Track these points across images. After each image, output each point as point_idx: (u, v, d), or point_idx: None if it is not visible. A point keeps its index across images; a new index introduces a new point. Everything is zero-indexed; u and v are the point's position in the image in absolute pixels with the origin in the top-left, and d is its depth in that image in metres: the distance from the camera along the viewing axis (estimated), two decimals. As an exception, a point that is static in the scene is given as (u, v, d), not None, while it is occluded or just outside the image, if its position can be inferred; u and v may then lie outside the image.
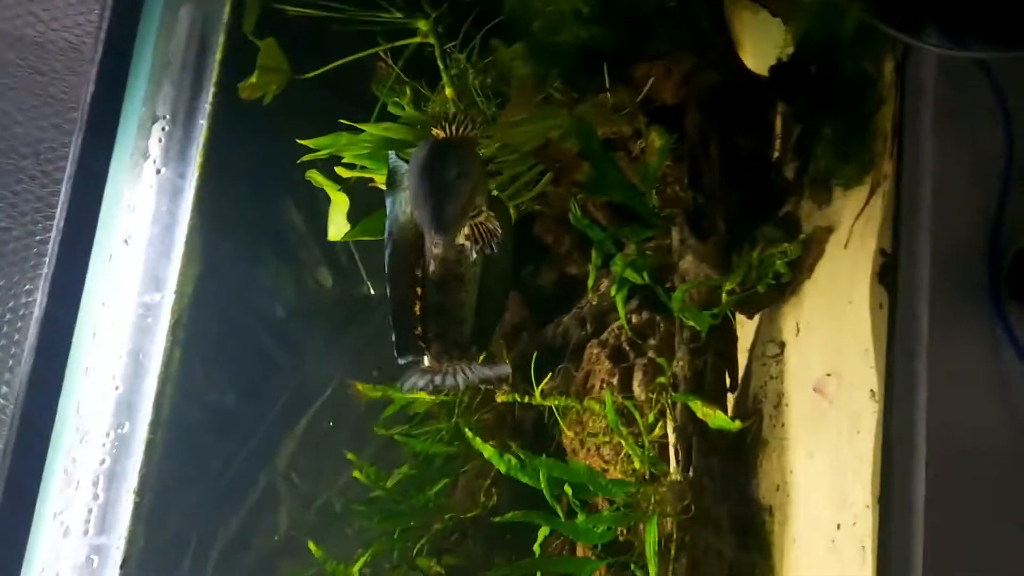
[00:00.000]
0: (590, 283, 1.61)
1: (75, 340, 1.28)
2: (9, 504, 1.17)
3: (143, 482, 1.22)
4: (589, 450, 1.74)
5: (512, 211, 1.77)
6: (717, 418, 1.48)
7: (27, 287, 1.84)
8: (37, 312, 1.29)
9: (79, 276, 1.30)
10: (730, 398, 1.67)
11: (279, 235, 1.94)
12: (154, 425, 1.28)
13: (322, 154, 1.59)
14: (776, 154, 1.67)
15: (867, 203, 1.45)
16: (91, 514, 1.22)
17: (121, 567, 1.18)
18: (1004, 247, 1.40)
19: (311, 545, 1.77)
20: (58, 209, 1.34)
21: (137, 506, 1.19)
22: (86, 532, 1.21)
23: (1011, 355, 1.38)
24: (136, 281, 1.30)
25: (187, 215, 1.33)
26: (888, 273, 1.40)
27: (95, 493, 1.21)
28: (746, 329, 1.71)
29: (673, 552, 1.51)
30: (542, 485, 1.52)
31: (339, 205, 1.57)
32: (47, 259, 1.30)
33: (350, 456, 1.82)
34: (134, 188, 1.36)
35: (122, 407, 1.27)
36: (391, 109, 1.58)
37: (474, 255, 1.27)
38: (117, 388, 1.27)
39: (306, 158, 1.58)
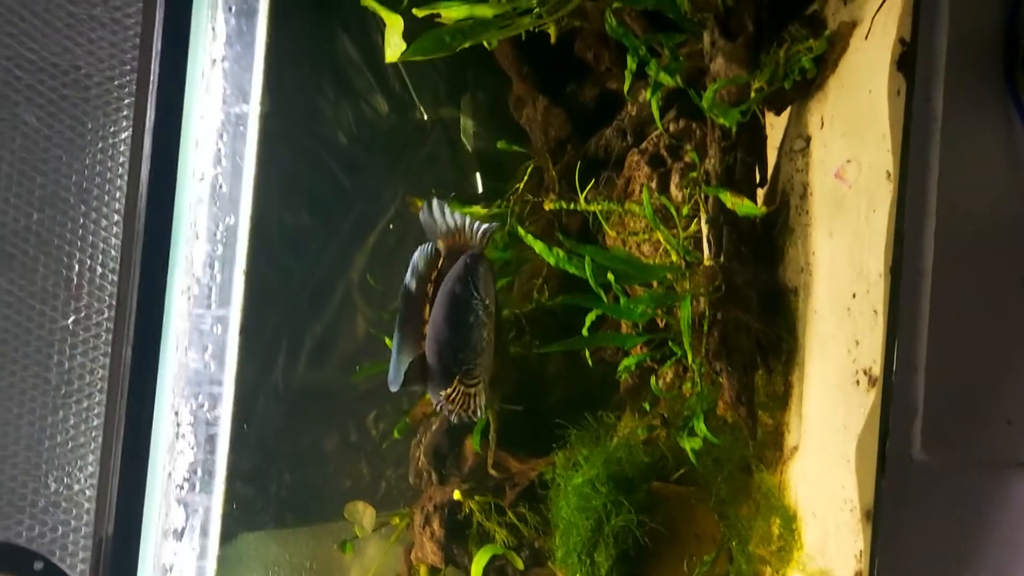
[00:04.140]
0: (626, 87, 1.73)
1: (182, 150, 1.47)
2: (144, 284, 1.39)
3: (251, 263, 1.43)
4: (630, 248, 1.92)
5: (553, 28, 1.88)
6: (745, 205, 1.63)
7: (112, 128, 2.03)
8: (148, 122, 1.47)
9: (179, 90, 1.47)
10: (760, 195, 1.81)
11: (336, 65, 2.08)
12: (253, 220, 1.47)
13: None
14: (804, -47, 1.73)
15: (889, -5, 1.53)
16: (212, 291, 1.45)
17: (240, 333, 1.42)
18: (1020, 33, 1.48)
19: (387, 341, 2.01)
20: (155, 29, 1.48)
21: (247, 282, 1.40)
22: (209, 306, 1.45)
23: (1022, 134, 1.49)
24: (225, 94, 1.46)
25: (263, 34, 1.47)
26: (906, 60, 1.49)
27: (212, 275, 1.44)
28: (775, 130, 1.83)
29: (706, 327, 1.71)
30: (587, 273, 1.70)
31: (394, 27, 1.69)
32: (150, 78, 1.46)
33: (416, 264, 2.03)
34: (215, 13, 1.50)
35: (227, 203, 1.47)
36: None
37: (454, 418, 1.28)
38: (221, 187, 1.47)
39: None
